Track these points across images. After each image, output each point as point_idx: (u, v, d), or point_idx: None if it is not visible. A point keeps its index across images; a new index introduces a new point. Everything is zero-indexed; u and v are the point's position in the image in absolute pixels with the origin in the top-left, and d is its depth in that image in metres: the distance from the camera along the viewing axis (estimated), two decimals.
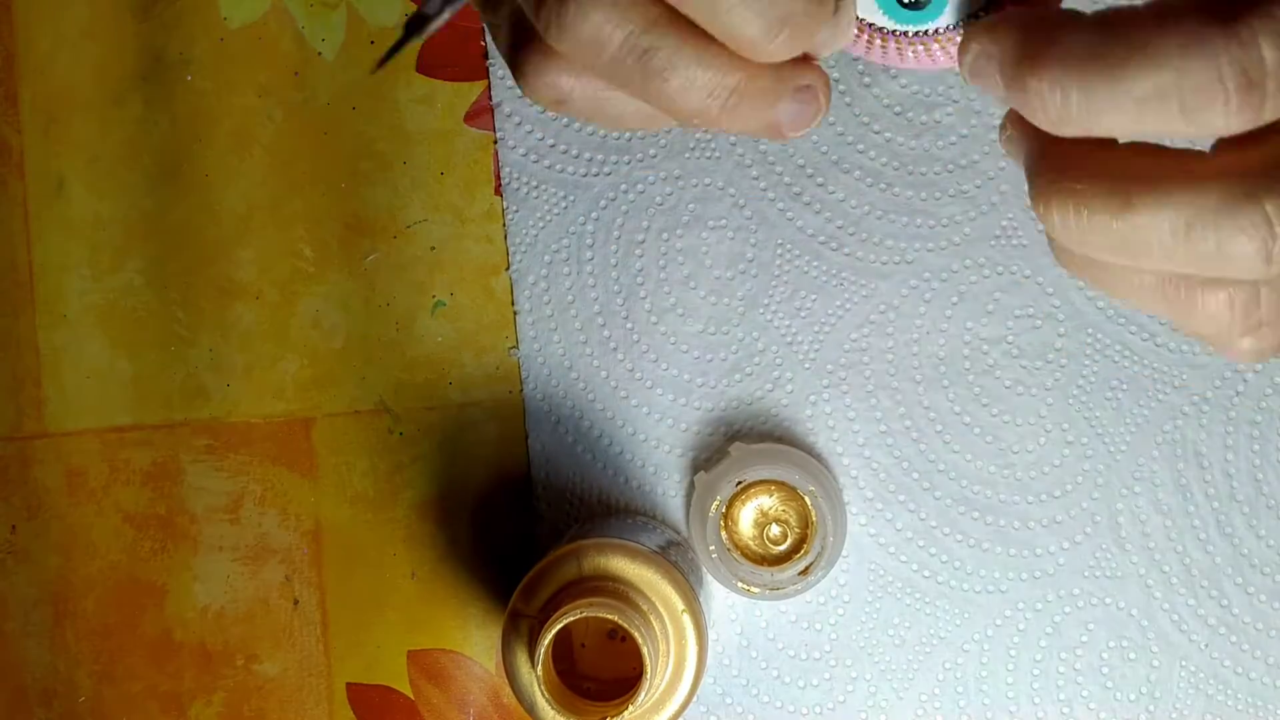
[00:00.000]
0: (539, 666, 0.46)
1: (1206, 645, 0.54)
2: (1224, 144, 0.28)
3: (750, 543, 0.53)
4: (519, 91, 0.56)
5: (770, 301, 0.55)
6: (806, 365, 0.55)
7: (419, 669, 0.56)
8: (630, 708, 0.46)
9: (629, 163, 0.56)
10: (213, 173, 0.57)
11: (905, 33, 0.35)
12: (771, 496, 0.53)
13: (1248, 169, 0.27)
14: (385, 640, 0.56)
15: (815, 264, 0.55)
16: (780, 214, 0.55)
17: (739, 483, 0.52)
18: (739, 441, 0.54)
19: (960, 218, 0.55)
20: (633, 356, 0.55)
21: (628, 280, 0.56)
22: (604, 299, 0.56)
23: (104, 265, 0.57)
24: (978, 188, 0.55)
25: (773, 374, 0.55)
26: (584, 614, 0.46)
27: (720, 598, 0.55)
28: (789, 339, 0.55)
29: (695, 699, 0.50)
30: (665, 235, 0.55)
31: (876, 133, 0.55)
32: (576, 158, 0.56)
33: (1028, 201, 0.33)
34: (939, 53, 0.35)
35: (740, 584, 0.52)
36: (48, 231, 0.57)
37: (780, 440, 0.55)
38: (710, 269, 0.55)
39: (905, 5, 0.35)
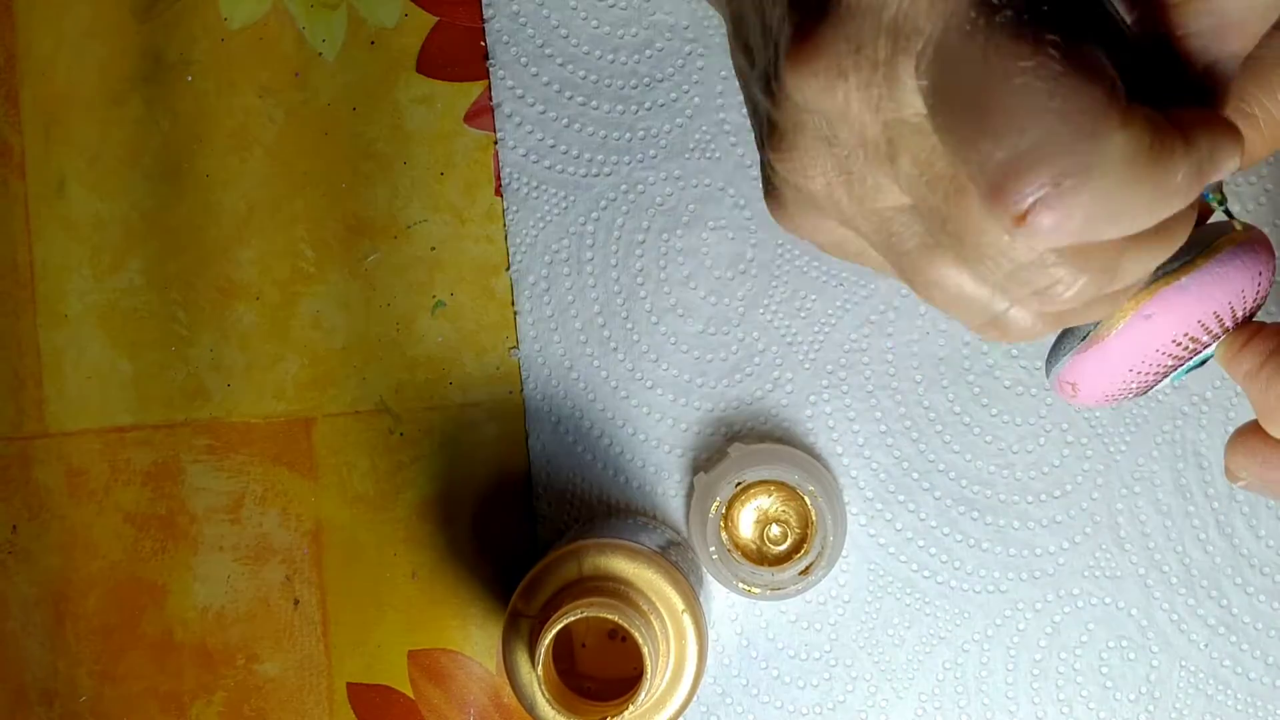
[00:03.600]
0: (539, 666, 0.46)
1: (1206, 645, 0.54)
2: None
3: (750, 543, 0.53)
4: (519, 91, 0.56)
5: (770, 301, 0.55)
6: (806, 365, 0.55)
7: (419, 669, 0.56)
8: (631, 707, 0.46)
9: (629, 163, 0.56)
10: (213, 173, 0.57)
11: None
12: (771, 497, 0.53)
13: None
14: (386, 640, 0.56)
15: (815, 264, 0.55)
16: None
17: (739, 483, 0.52)
18: (738, 442, 0.54)
19: None
20: (633, 356, 0.56)
21: (628, 280, 0.56)
22: (604, 299, 0.56)
23: (105, 265, 0.57)
24: None
25: (773, 374, 0.55)
26: (584, 614, 0.46)
27: (720, 598, 0.55)
28: (789, 339, 0.55)
29: (695, 699, 0.51)
30: (665, 235, 0.55)
31: None
32: (577, 158, 0.56)
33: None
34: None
35: (740, 584, 0.52)
36: (48, 232, 0.57)
37: (780, 440, 0.55)
38: (710, 269, 0.55)
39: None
